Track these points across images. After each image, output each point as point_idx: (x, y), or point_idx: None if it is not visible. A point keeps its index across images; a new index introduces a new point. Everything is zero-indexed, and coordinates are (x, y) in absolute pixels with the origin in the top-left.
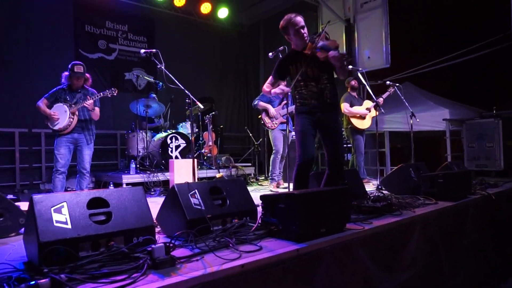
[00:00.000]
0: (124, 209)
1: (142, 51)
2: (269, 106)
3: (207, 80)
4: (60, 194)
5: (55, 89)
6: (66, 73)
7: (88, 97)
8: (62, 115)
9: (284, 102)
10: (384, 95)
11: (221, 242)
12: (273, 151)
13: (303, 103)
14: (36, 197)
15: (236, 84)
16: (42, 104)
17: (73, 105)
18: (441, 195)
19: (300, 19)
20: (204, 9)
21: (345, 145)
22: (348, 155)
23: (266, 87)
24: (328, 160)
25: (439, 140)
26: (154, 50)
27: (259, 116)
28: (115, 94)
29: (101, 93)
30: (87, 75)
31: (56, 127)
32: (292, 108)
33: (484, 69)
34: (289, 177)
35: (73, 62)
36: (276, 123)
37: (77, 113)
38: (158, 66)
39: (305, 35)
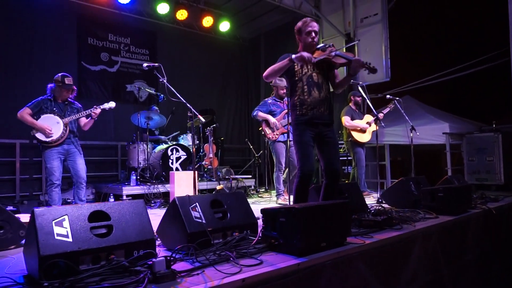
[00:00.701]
0: (125, 222)
1: (145, 65)
2: (269, 116)
3: (208, 93)
4: (61, 207)
5: (39, 99)
6: (52, 84)
7: (95, 106)
8: (55, 127)
9: (285, 111)
10: (385, 111)
11: (221, 255)
12: (275, 168)
13: (304, 113)
14: (38, 210)
15: (237, 97)
16: (26, 115)
17: (65, 117)
18: (441, 209)
19: (315, 24)
20: (206, 23)
21: (345, 158)
22: (349, 168)
23: (270, 68)
24: (325, 170)
25: (439, 154)
26: (156, 64)
27: (260, 128)
28: (112, 108)
29: (100, 106)
30: (74, 87)
31: (48, 139)
32: (283, 113)
33: (483, 83)
34: (289, 188)
35: (62, 73)
36: (277, 134)
37: (68, 124)
38: (161, 80)
39: (315, 39)
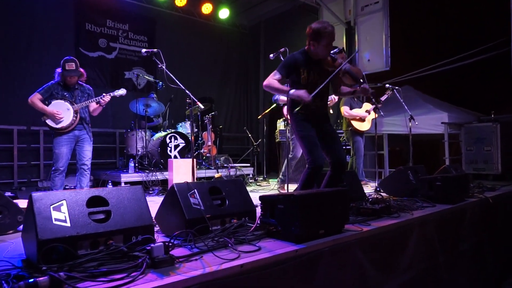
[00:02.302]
0: (124, 208)
1: (143, 50)
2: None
3: (207, 80)
4: (59, 192)
5: (49, 83)
6: (59, 69)
7: (104, 94)
8: (66, 113)
9: None
10: (383, 98)
11: (220, 242)
12: (291, 155)
13: (304, 113)
14: (36, 194)
15: (236, 85)
16: (37, 100)
17: (75, 103)
18: (439, 198)
19: (333, 31)
20: (205, 10)
21: (344, 147)
22: (347, 157)
23: (272, 82)
24: (332, 163)
25: (437, 143)
26: (155, 50)
27: (258, 117)
28: (123, 95)
29: (111, 94)
30: (81, 70)
31: (58, 126)
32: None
33: (483, 73)
34: (288, 177)
35: (65, 58)
36: None
37: (79, 110)
38: (159, 66)
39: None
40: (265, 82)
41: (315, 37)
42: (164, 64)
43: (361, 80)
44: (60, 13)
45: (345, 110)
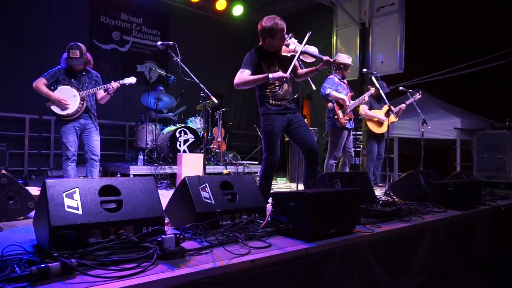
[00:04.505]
0: (135, 198)
1: (159, 43)
2: (344, 97)
3: (218, 77)
4: (72, 180)
5: (55, 68)
6: (65, 54)
7: (112, 81)
8: (71, 100)
9: (351, 94)
10: (408, 102)
11: (229, 237)
12: (329, 156)
13: (276, 104)
14: (49, 181)
15: None
16: (42, 85)
17: (82, 90)
18: (450, 203)
19: (284, 24)
20: (219, 6)
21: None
22: (357, 159)
23: (245, 77)
24: (303, 150)
25: (447, 149)
26: (171, 42)
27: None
28: (133, 83)
29: (120, 81)
30: (88, 56)
31: (64, 113)
32: (361, 99)
33: (497, 80)
34: (298, 176)
35: (70, 44)
36: (346, 119)
37: (85, 98)
38: (174, 59)
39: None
40: (236, 81)
41: (269, 34)
42: (179, 57)
43: (320, 55)
44: (76, 5)
45: (363, 109)
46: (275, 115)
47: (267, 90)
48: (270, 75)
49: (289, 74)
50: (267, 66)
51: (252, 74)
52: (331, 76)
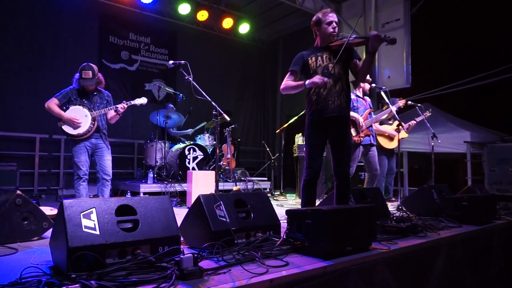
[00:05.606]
0: (151, 218)
1: (171, 62)
2: (357, 115)
3: (225, 94)
4: (89, 200)
5: (67, 89)
6: (77, 75)
7: (124, 101)
8: (83, 119)
9: (369, 110)
10: (418, 119)
11: (246, 255)
12: (371, 175)
13: (319, 109)
14: (67, 202)
15: (254, 99)
16: (54, 105)
17: (93, 110)
18: (465, 218)
19: (334, 14)
20: (226, 24)
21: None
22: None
23: (287, 82)
24: (334, 172)
25: (455, 162)
26: (183, 62)
27: (277, 131)
28: (144, 104)
29: (130, 102)
30: (100, 76)
31: (75, 132)
32: (388, 111)
33: (505, 92)
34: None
35: (83, 64)
36: (362, 136)
37: (97, 118)
38: (186, 77)
39: (336, 30)
40: (281, 87)
41: (317, 23)
42: (191, 76)
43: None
44: (85, 25)
45: (374, 124)
46: (317, 125)
47: (312, 92)
48: (307, 82)
49: (339, 69)
50: (314, 59)
51: (299, 72)
52: None
